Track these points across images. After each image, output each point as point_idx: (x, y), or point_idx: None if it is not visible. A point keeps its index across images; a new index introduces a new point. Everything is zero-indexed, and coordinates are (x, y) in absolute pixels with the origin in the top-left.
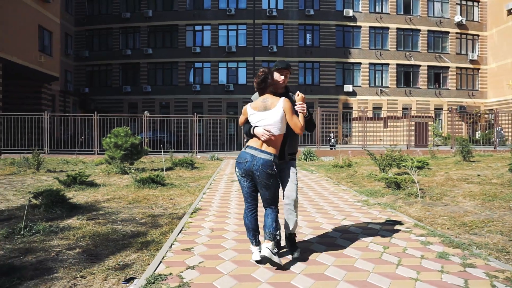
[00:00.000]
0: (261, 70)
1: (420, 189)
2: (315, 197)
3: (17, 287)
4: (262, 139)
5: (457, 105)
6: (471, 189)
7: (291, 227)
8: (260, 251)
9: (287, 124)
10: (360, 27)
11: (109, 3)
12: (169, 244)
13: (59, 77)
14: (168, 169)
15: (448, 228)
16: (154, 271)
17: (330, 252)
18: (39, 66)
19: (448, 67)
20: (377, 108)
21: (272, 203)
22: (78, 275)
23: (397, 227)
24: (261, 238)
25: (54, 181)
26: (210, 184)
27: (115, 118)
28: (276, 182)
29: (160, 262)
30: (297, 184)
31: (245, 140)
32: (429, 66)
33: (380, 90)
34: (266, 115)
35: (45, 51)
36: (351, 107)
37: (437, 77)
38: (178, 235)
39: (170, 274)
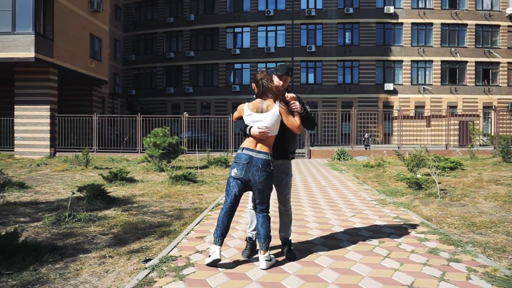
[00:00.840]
0: (257, 75)
1: (442, 190)
2: (333, 195)
3: (58, 262)
4: (258, 138)
5: (508, 102)
6: (498, 190)
7: (287, 231)
8: (219, 253)
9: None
10: (401, 24)
11: (154, 9)
12: (186, 233)
13: (107, 80)
14: (203, 167)
15: (455, 228)
16: (168, 253)
17: (326, 244)
18: (90, 71)
19: (499, 63)
20: (419, 107)
21: (267, 205)
22: (107, 255)
23: (402, 224)
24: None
25: (98, 177)
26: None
27: (157, 118)
28: (272, 181)
29: (175, 246)
30: (290, 189)
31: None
32: (476, 62)
33: (423, 88)
34: (263, 117)
35: (95, 57)
36: (392, 106)
37: (486, 73)
38: (196, 225)
39: (180, 256)
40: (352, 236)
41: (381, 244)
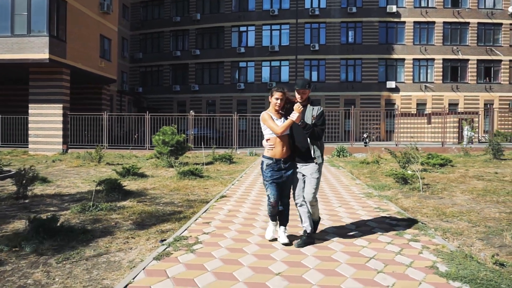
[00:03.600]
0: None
1: (426, 185)
2: (326, 189)
3: (91, 241)
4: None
5: (509, 100)
6: (477, 185)
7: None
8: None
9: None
10: (404, 22)
11: (161, 8)
12: (194, 219)
13: (116, 79)
14: (208, 163)
15: (427, 216)
16: (181, 234)
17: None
18: (99, 70)
19: (501, 61)
20: (421, 104)
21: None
22: (129, 236)
23: (380, 213)
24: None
25: (112, 172)
26: (241, 177)
27: (164, 116)
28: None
29: (185, 229)
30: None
31: None
32: (478, 60)
33: (425, 85)
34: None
35: (105, 57)
36: (394, 103)
37: (487, 71)
38: (203, 213)
39: (190, 236)
40: (334, 222)
41: (358, 228)
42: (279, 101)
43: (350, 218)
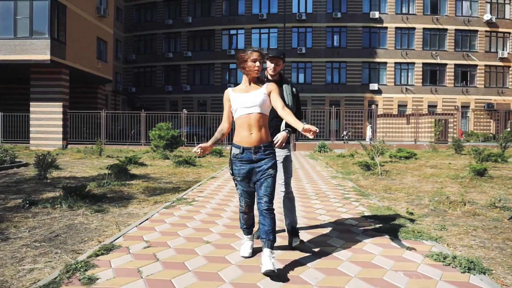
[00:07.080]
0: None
1: (386, 171)
2: (300, 173)
3: (112, 202)
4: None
5: (485, 102)
6: (427, 172)
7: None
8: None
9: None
10: (386, 28)
11: (154, 11)
12: (191, 189)
13: (112, 79)
14: (200, 156)
15: (375, 190)
16: (181, 197)
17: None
18: (96, 71)
19: (476, 65)
20: (402, 106)
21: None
22: (141, 201)
23: (338, 187)
24: None
25: (115, 162)
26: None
27: (158, 115)
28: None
29: (184, 194)
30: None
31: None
32: (456, 65)
33: (405, 88)
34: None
35: (101, 58)
36: (377, 105)
37: (464, 75)
38: (197, 186)
39: (189, 198)
40: (300, 192)
41: (316, 195)
42: (257, 63)
43: (312, 189)
